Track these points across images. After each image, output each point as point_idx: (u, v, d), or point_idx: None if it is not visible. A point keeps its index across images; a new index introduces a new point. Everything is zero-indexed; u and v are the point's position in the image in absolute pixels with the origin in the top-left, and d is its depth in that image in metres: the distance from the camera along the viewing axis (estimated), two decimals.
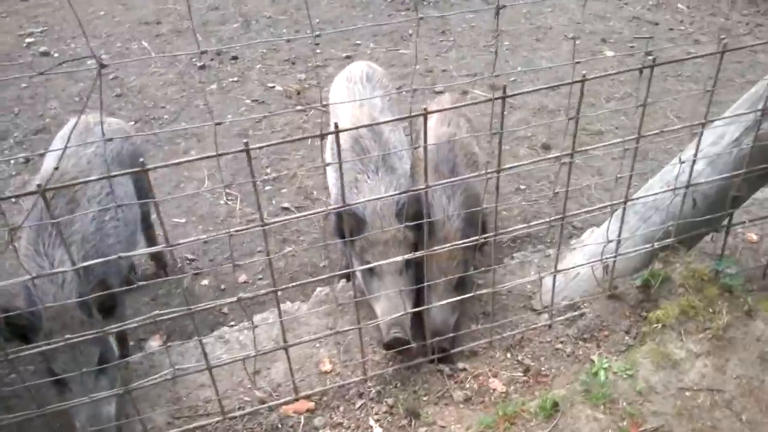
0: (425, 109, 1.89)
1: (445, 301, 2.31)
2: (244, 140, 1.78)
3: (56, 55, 5.54)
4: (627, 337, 2.41)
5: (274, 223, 2.12)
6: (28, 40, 5.79)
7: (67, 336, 1.84)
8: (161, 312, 1.96)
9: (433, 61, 5.45)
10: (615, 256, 2.42)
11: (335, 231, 2.63)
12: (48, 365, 2.04)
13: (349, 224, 2.24)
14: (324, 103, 3.72)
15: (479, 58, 5.50)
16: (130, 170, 1.74)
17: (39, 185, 1.61)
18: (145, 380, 2.14)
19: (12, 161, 4.22)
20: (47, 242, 2.17)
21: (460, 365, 2.40)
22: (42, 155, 4.31)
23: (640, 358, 2.21)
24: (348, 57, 5.45)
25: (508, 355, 2.42)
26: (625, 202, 2.30)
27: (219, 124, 1.96)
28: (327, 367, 2.49)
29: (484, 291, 2.32)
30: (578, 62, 2.08)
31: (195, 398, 2.41)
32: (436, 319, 2.38)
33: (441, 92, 4.75)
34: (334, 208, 2.16)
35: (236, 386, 2.44)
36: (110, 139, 2.65)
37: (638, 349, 2.28)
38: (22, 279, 1.79)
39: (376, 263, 2.40)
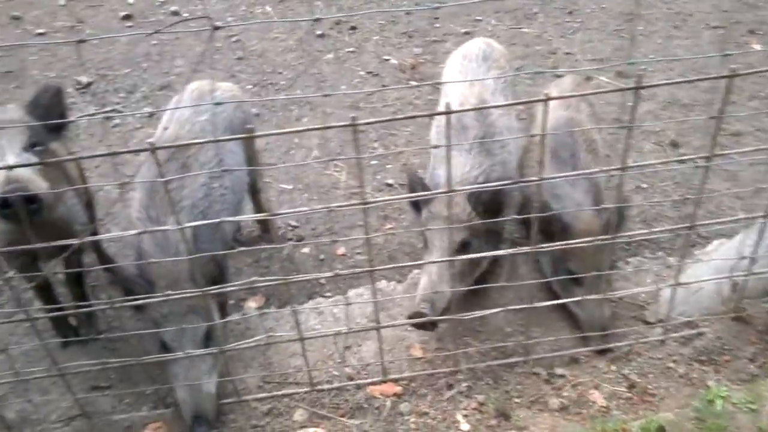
0: (546, 94, 1.75)
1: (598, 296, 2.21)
2: (352, 115, 1.72)
3: (186, 14, 5.75)
4: (752, 366, 2.17)
5: (373, 203, 2.08)
6: None
7: (172, 293, 1.89)
8: (259, 279, 1.98)
9: (556, 42, 5.17)
10: (747, 275, 2.18)
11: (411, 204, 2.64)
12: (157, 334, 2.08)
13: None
14: (437, 82, 3.62)
15: (607, 42, 5.15)
16: (238, 136, 1.74)
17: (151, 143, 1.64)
18: (239, 343, 2.19)
19: (137, 114, 4.44)
20: (159, 207, 2.21)
21: (559, 371, 2.27)
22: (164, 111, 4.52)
23: (765, 392, 1.99)
24: (467, 33, 5.27)
25: (613, 368, 2.26)
26: (765, 216, 2.06)
27: (327, 95, 1.93)
28: (418, 353, 2.44)
29: (593, 296, 2.17)
30: (727, 54, 1.85)
31: (286, 365, 2.43)
32: (594, 312, 2.28)
33: (561, 76, 4.51)
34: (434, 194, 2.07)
35: (326, 359, 2.45)
36: (219, 103, 2.66)
37: (764, 381, 2.05)
38: (135, 232, 1.84)
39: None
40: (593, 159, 2.56)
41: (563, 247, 2.05)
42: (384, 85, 4.69)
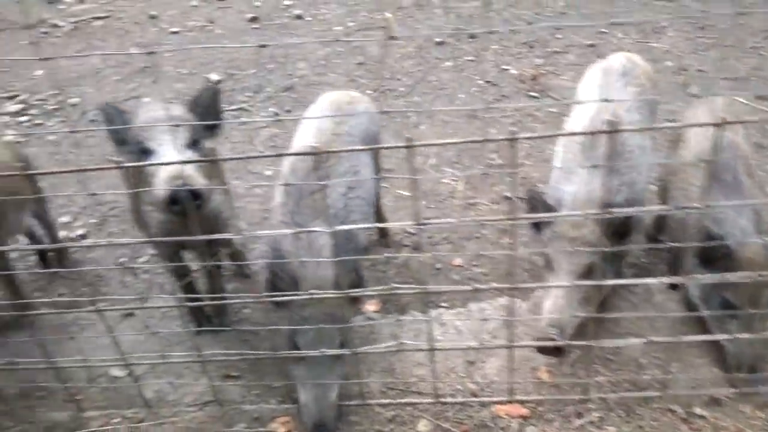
0: (723, 118, 1.65)
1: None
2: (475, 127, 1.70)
3: (309, 19, 5.93)
4: None
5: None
6: (286, 2, 6.25)
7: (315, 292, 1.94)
8: (399, 286, 1.99)
9: (687, 59, 4.93)
10: None
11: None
12: (292, 336, 2.13)
13: (539, 212, 2.29)
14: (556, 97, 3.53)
15: (745, 60, 4.85)
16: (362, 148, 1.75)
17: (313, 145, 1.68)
18: (371, 347, 2.22)
19: (263, 114, 4.62)
20: (304, 213, 2.27)
21: (698, 411, 2.14)
22: (288, 112, 4.68)
23: None
24: (591, 45, 5.13)
25: (761, 414, 2.11)
26: None
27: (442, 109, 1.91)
28: (545, 376, 2.38)
29: (744, 336, 2.04)
30: None
31: (408, 373, 2.44)
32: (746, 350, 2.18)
33: (695, 95, 4.28)
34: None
35: (448, 371, 2.43)
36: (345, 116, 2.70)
37: None
38: (284, 231, 1.90)
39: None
40: (753, 183, 2.41)
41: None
42: (503, 96, 4.63)
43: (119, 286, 3.35)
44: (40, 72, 5.45)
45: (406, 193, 3.81)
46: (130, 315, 2.79)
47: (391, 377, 2.43)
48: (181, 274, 2.55)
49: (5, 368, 2.21)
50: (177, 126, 2.02)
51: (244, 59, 5.32)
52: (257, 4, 6.24)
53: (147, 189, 2.00)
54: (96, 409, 2.35)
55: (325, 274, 2.12)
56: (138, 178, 2.09)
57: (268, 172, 3.94)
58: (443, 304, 3.08)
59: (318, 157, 2.40)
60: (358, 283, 2.11)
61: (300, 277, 2.08)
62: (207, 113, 2.20)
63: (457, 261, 3.37)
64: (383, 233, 3.48)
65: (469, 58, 5.11)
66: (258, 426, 2.26)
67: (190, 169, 1.98)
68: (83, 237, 3.66)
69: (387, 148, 3.66)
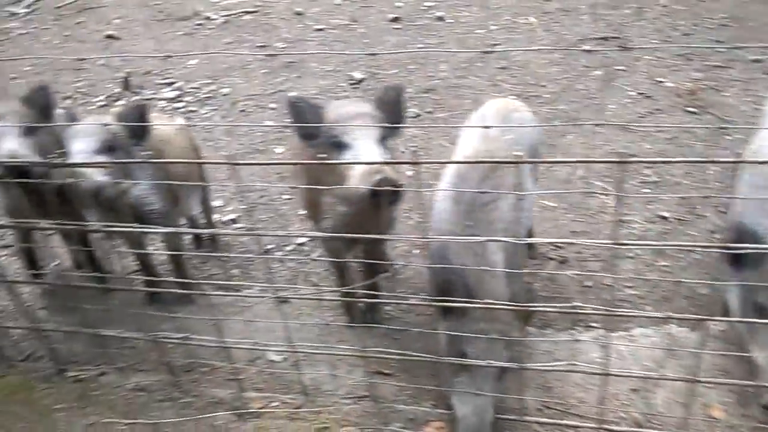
0: None
1: None
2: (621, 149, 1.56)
3: (450, 21, 5.90)
4: None
5: (704, 247, 1.89)
6: (427, 3, 6.26)
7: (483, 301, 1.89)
8: (582, 305, 1.91)
9: None
10: None
11: (725, 256, 2.32)
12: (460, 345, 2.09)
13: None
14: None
15: None
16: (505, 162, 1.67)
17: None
18: (539, 365, 2.14)
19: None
20: (476, 225, 2.21)
21: None
22: (428, 114, 4.68)
23: None
24: (756, 61, 4.76)
25: None
26: None
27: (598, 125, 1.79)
28: (718, 413, 2.21)
29: None
30: None
31: (566, 393, 2.35)
32: None
33: None
34: None
35: (611, 397, 2.31)
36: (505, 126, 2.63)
37: None
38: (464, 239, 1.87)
39: None
40: None
41: None
42: (657, 109, 4.39)
43: (266, 271, 3.48)
44: (194, 62, 5.77)
45: (552, 204, 3.69)
46: (285, 302, 2.87)
47: (547, 395, 2.35)
48: (343, 268, 2.59)
49: (180, 342, 2.32)
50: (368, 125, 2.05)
51: (387, 59, 5.36)
52: (399, 4, 6.29)
53: (326, 188, 2.04)
54: (255, 390, 2.42)
55: (501, 290, 2.06)
56: (326, 172, 2.13)
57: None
58: (594, 325, 2.96)
59: (490, 166, 2.36)
60: (532, 300, 2.04)
61: (475, 290, 2.04)
62: (392, 112, 2.22)
63: (608, 280, 3.22)
64: (528, 245, 3.39)
65: (620, 67, 4.88)
66: (412, 427, 2.25)
67: (384, 166, 1.99)
68: (234, 221, 3.83)
69: (550, 162, 3.54)
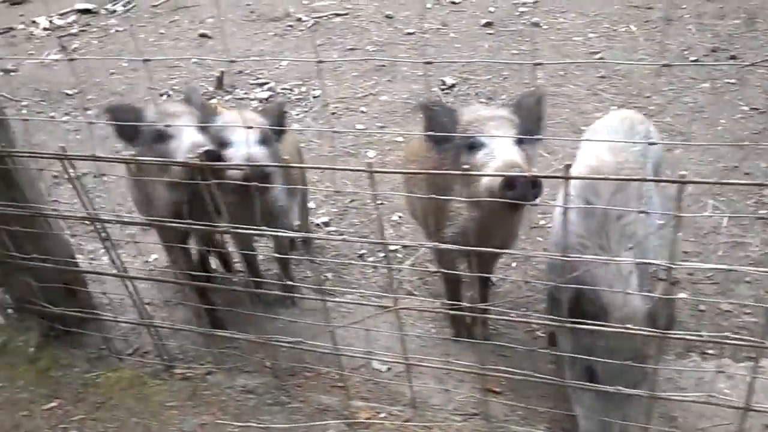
0: None
1: None
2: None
3: (545, 27, 5.75)
4: None
5: None
6: (521, 9, 6.13)
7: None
8: (732, 335, 1.77)
9: None
10: None
11: None
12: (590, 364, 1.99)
13: None
14: None
15: None
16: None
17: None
18: (674, 394, 2.01)
19: None
20: (611, 238, 2.10)
21: None
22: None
23: None
24: None
25: None
26: None
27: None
28: None
29: None
30: None
31: (690, 425, 2.21)
32: None
33: None
34: None
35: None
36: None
37: None
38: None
39: None
40: None
41: None
42: None
43: (360, 276, 3.45)
44: (285, 63, 5.84)
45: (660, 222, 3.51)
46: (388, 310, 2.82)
47: (671, 425, 2.21)
48: (454, 280, 2.52)
49: (290, 346, 2.30)
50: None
51: (480, 64, 5.28)
52: (492, 9, 6.18)
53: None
54: (362, 399, 2.38)
55: (638, 307, 1.94)
56: (455, 177, 2.07)
57: None
58: (710, 352, 2.79)
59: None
60: (671, 321, 1.91)
61: (610, 306, 1.93)
62: (530, 119, 2.13)
63: (725, 305, 3.03)
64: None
65: (730, 80, 4.63)
66: None
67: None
68: (326, 224, 3.82)
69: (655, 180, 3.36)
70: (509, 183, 1.77)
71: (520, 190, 1.77)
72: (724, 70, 4.76)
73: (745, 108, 4.32)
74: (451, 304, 2.57)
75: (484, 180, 1.91)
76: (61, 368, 2.46)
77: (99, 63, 6.38)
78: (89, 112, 5.50)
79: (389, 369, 2.54)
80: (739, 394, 2.31)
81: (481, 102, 4.65)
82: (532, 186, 1.78)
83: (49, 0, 8.27)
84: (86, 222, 2.14)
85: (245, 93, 5.46)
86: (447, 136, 2.07)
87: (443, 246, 2.12)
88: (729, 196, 3.60)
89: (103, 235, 2.12)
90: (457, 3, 6.45)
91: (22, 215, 2.29)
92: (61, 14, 7.71)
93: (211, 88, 5.58)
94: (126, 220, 2.14)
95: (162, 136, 2.21)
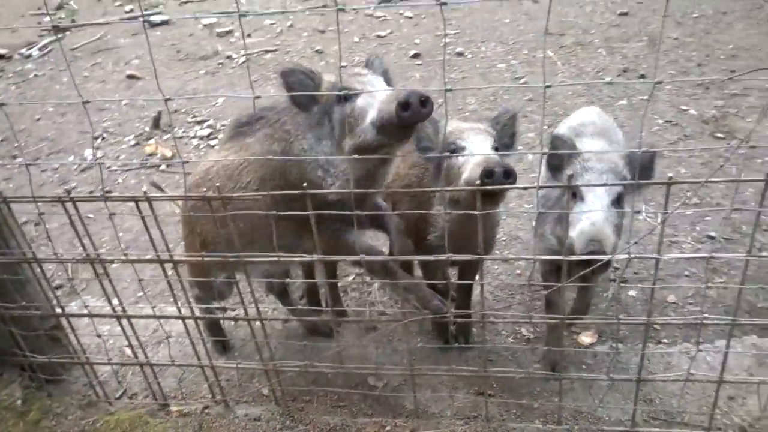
0: None
1: None
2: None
3: (470, 56, 6.12)
4: None
5: None
6: (446, 40, 6.47)
7: None
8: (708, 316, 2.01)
9: None
10: None
11: None
12: None
13: None
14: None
15: None
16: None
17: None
18: (659, 376, 2.23)
19: None
20: None
21: None
22: None
23: None
24: None
25: None
26: None
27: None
28: None
29: None
30: None
31: (666, 404, 2.44)
32: None
33: None
34: None
35: (710, 405, 2.41)
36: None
37: None
38: None
39: None
40: None
41: None
42: (686, 135, 4.60)
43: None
44: (221, 100, 5.87)
45: None
46: (373, 329, 2.93)
47: (650, 408, 2.44)
48: (444, 290, 2.67)
49: (292, 369, 2.36)
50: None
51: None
52: (417, 41, 6.50)
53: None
54: (364, 416, 2.46)
55: None
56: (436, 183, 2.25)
57: None
58: (665, 340, 3.07)
59: None
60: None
61: None
62: (505, 132, 2.33)
63: (671, 298, 3.35)
64: None
65: (644, 97, 5.11)
66: None
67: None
68: None
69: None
70: (488, 172, 1.91)
71: (497, 179, 1.91)
72: (637, 88, 5.24)
73: (660, 121, 4.78)
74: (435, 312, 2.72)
75: (465, 174, 2.08)
76: (54, 417, 2.39)
77: (22, 109, 6.16)
78: (18, 160, 5.30)
79: (386, 384, 2.64)
80: (703, 372, 2.60)
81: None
82: (507, 176, 1.94)
83: None
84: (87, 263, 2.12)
85: (184, 132, 5.44)
86: (431, 146, 2.26)
87: (426, 257, 2.26)
88: (658, 201, 3.97)
89: (100, 272, 2.12)
90: (383, 36, 6.73)
91: (8, 263, 2.25)
92: None
93: (147, 129, 5.52)
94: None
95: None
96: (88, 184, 4.86)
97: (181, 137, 5.39)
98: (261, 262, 2.26)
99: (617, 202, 2.18)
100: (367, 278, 3.41)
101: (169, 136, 5.44)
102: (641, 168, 2.25)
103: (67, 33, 8.03)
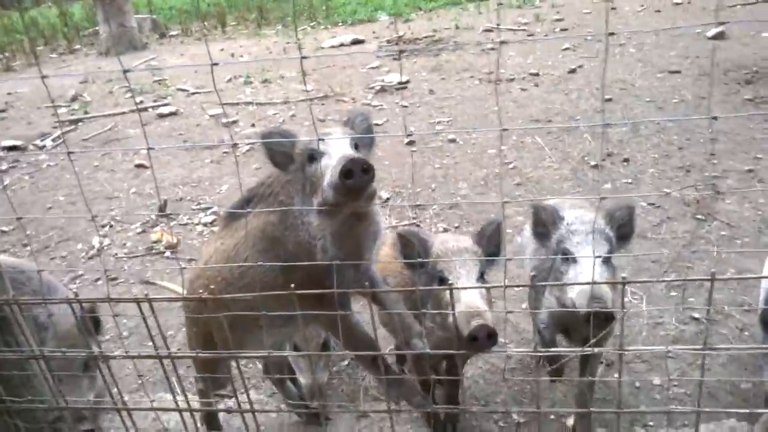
0: None
1: None
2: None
3: (461, 142, 6.42)
4: None
5: None
6: (438, 127, 6.82)
7: None
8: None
9: None
10: None
11: None
12: None
13: None
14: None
15: None
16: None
17: None
18: None
19: (433, 230, 4.97)
20: None
21: None
22: (456, 228, 5.02)
23: None
24: (750, 171, 5.25)
25: None
26: None
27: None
28: None
29: None
30: None
31: None
32: None
33: None
34: None
35: None
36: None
37: None
38: None
39: None
40: None
41: None
42: (669, 217, 4.79)
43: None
44: (225, 187, 6.14)
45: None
46: (364, 416, 3.02)
47: None
48: (431, 383, 2.77)
49: None
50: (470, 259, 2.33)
51: (408, 179, 5.79)
52: (412, 128, 6.83)
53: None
54: None
55: None
56: (429, 299, 2.40)
57: None
58: (650, 423, 3.14)
59: None
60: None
61: None
62: (491, 244, 2.49)
63: (656, 380, 3.43)
64: None
65: (627, 180, 5.34)
66: None
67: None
68: None
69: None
70: (473, 337, 2.08)
71: (480, 342, 2.08)
72: (621, 171, 5.48)
73: (644, 204, 4.98)
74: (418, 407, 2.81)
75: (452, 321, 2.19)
76: None
77: (34, 198, 6.44)
78: (28, 248, 5.51)
79: None
80: None
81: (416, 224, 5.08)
82: (489, 337, 2.09)
83: None
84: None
85: (188, 219, 5.66)
86: (421, 264, 2.41)
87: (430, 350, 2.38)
88: (646, 285, 4.11)
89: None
90: (380, 125, 7.07)
91: (17, 360, 2.38)
92: None
93: (153, 216, 5.75)
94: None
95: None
96: (94, 272, 5.04)
97: (185, 224, 5.61)
98: (259, 355, 2.38)
99: (608, 260, 2.35)
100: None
101: (174, 222, 5.67)
102: (621, 224, 2.45)
103: (80, 124, 8.44)
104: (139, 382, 3.31)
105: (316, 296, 2.02)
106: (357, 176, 1.92)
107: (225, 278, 2.37)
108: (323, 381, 2.98)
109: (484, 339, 2.08)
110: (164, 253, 5.17)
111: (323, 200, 2.06)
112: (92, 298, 2.14)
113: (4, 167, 7.32)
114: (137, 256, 5.16)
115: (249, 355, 2.20)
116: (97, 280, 4.93)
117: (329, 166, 2.06)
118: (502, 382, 3.32)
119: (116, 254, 5.24)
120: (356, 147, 2.21)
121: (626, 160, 5.65)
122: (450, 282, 2.29)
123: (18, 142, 7.87)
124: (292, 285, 1.96)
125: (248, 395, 2.28)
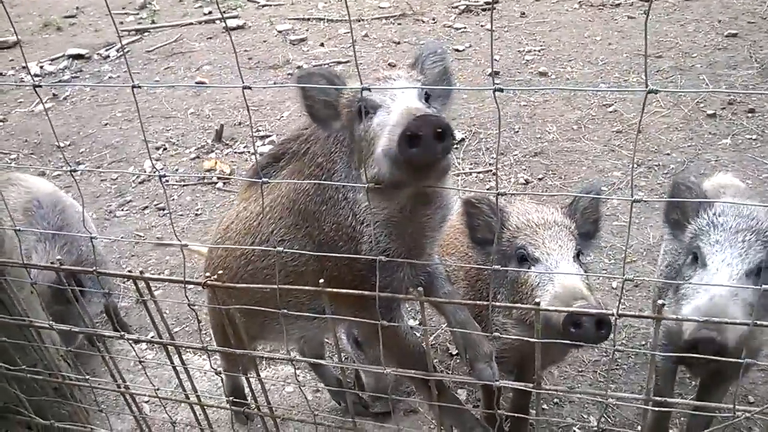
0: None
1: None
2: None
3: (553, 76, 5.61)
4: None
5: None
6: (527, 57, 6.00)
7: None
8: None
9: None
10: None
11: None
12: None
13: None
14: None
15: None
16: None
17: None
18: None
19: (512, 180, 4.34)
20: None
21: None
22: (540, 180, 4.36)
23: None
24: None
25: None
26: None
27: None
28: None
29: None
30: None
31: None
32: None
33: None
34: None
35: None
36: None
37: None
38: None
39: None
40: None
41: None
42: None
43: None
44: (287, 113, 5.65)
45: None
46: (413, 412, 2.57)
47: None
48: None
49: None
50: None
51: (489, 117, 5.10)
52: (497, 57, 6.05)
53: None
54: None
55: None
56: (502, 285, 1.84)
57: None
58: None
59: None
60: None
61: None
62: (587, 221, 1.91)
63: None
64: None
65: (751, 136, 4.47)
66: None
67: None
68: None
69: None
70: (574, 322, 1.51)
71: (586, 331, 1.50)
72: (743, 124, 4.60)
73: None
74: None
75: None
76: None
77: (92, 112, 6.17)
78: (81, 167, 5.27)
79: None
80: None
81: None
82: (598, 326, 1.50)
83: (40, 44, 8.09)
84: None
85: (245, 147, 5.24)
86: (489, 240, 1.85)
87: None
88: None
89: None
90: (461, 51, 6.31)
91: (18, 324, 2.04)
92: (53, 60, 7.52)
93: (209, 141, 5.36)
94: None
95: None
96: (144, 198, 4.74)
97: (242, 152, 5.20)
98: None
99: (756, 273, 1.65)
100: None
101: (230, 150, 5.27)
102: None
103: (146, 34, 8.06)
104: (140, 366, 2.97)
105: (357, 295, 1.51)
106: (426, 143, 1.33)
107: (244, 253, 1.88)
108: (388, 383, 2.46)
109: (590, 329, 1.49)
110: (216, 183, 4.79)
111: (376, 175, 1.49)
112: (75, 268, 1.71)
113: (67, 76, 7.07)
114: (188, 185, 4.81)
115: (269, 356, 1.75)
116: (145, 208, 4.62)
117: (386, 126, 1.49)
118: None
119: (167, 180, 4.90)
120: (427, 98, 1.62)
121: (751, 111, 4.73)
122: (536, 260, 1.73)
123: (83, 51, 7.58)
124: (321, 280, 1.46)
125: (267, 397, 1.85)
